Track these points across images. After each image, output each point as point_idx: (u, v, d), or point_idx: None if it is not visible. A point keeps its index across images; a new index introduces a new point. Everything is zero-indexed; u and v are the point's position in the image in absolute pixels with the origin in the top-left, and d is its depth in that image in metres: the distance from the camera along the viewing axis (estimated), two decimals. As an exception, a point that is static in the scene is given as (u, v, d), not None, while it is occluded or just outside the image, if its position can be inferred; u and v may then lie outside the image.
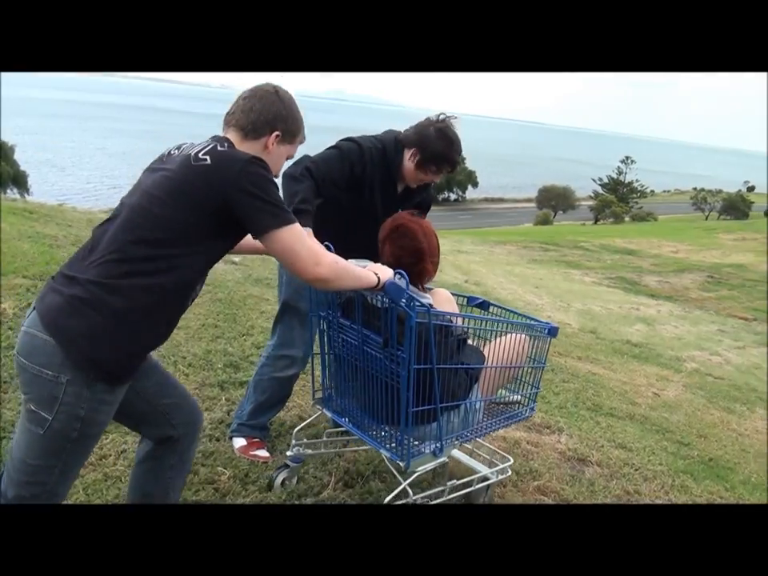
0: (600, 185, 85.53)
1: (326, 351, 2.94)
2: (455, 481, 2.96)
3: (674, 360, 9.56)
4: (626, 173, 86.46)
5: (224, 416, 3.76)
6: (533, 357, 3.12)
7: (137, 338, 1.99)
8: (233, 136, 2.17)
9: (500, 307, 3.17)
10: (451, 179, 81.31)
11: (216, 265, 2.21)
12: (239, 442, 3.40)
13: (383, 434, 2.73)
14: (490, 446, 3.40)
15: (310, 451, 3.27)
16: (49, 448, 1.95)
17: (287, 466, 3.11)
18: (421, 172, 3.18)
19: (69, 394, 1.88)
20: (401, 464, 2.61)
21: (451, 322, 2.72)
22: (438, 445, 2.65)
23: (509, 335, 2.99)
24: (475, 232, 46.74)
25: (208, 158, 2.01)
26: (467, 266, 19.43)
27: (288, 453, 3.14)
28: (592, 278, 23.39)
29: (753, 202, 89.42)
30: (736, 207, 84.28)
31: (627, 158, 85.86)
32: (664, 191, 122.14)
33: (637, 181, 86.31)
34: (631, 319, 13.18)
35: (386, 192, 3.21)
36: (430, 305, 2.53)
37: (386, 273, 2.36)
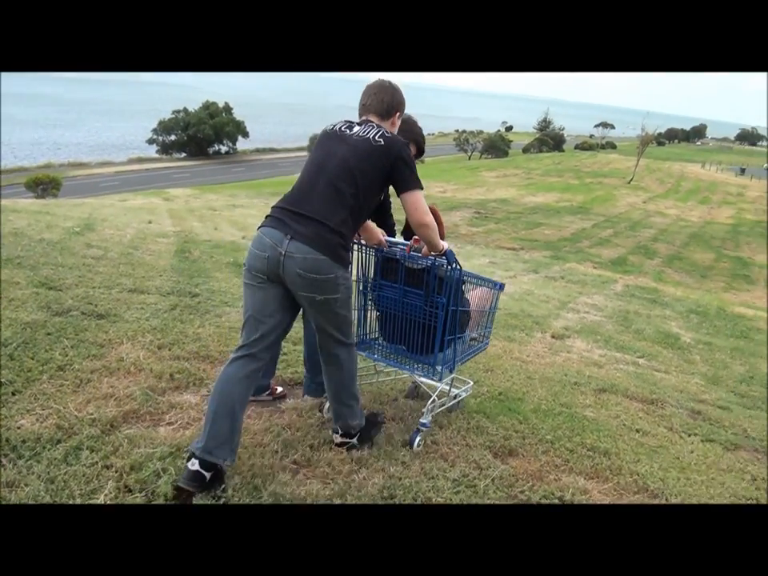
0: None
1: (362, 307, 3.85)
2: (453, 392, 4.14)
3: (453, 297, 9.71)
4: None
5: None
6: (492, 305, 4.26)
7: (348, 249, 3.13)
8: (374, 118, 3.26)
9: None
10: (220, 131, 78.94)
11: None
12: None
13: (416, 365, 3.76)
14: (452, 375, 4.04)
15: None
16: (346, 307, 3.17)
17: None
18: None
19: (342, 279, 3.03)
20: (434, 379, 3.75)
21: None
22: (451, 364, 3.75)
23: (479, 288, 4.16)
24: (249, 185, 45.89)
25: (382, 140, 3.08)
26: (243, 220, 18.78)
27: None
28: (369, 221, 23.62)
29: (511, 141, 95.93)
30: (496, 146, 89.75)
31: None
32: (429, 134, 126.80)
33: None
34: (409, 260, 13.35)
35: None
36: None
37: (444, 243, 3.35)
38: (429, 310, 3.55)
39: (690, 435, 4.85)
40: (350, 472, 3.24)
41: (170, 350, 4.58)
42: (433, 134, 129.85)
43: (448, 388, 4.03)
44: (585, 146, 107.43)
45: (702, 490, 3.81)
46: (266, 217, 3.06)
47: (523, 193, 45.05)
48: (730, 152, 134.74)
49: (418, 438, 3.62)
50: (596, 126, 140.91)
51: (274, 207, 3.06)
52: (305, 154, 75.90)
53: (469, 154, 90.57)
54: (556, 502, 3.29)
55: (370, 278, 3.77)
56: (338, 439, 3.44)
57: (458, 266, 3.46)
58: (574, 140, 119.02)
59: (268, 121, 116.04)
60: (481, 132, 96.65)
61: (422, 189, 3.14)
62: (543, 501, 3.27)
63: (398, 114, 3.32)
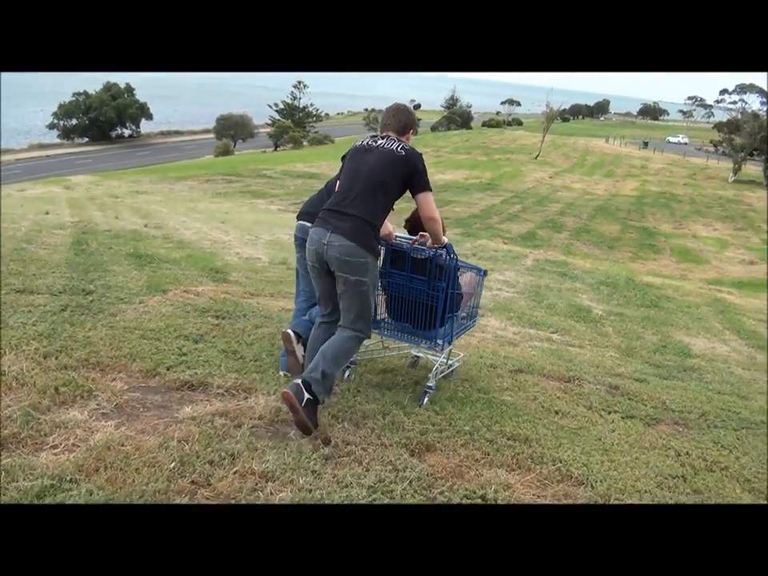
0: (276, 111, 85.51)
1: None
2: (453, 361, 5.01)
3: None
4: (300, 97, 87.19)
5: None
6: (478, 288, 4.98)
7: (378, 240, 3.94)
8: (393, 134, 4.03)
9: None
10: (123, 113, 76.34)
11: None
12: None
13: (420, 339, 4.50)
14: (450, 347, 4.77)
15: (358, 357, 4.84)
16: (369, 294, 3.88)
17: (354, 363, 4.74)
18: None
19: (371, 265, 3.80)
20: (436, 350, 4.55)
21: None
22: (449, 338, 4.52)
23: (467, 273, 4.81)
24: (154, 169, 44.41)
25: (403, 152, 3.86)
26: (147, 207, 18.05)
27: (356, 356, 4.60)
28: (277, 205, 23.20)
29: (420, 119, 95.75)
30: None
31: (299, 82, 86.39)
32: (338, 114, 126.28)
33: (311, 105, 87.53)
34: (319, 242, 13.04)
35: None
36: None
37: (444, 238, 4.12)
38: (431, 292, 4.31)
39: (609, 413, 4.79)
40: (253, 489, 2.96)
41: (56, 358, 4.17)
42: (342, 114, 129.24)
43: (446, 359, 4.82)
44: (492, 123, 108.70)
45: (627, 472, 3.72)
46: (317, 218, 3.91)
47: (432, 171, 44.86)
48: (633, 126, 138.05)
49: (425, 399, 4.35)
50: (502, 103, 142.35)
51: (323, 210, 3.91)
52: (211, 136, 74.24)
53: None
54: (478, 501, 3.11)
55: (380, 266, 4.30)
56: (298, 380, 3.65)
57: (455, 256, 4.23)
58: (482, 117, 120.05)
59: (174, 102, 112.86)
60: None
61: (432, 191, 3.97)
62: (465, 501, 3.09)
63: (411, 130, 4.14)
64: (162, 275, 7.28)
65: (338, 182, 4.03)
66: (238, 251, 10.61)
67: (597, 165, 59.32)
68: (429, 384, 4.42)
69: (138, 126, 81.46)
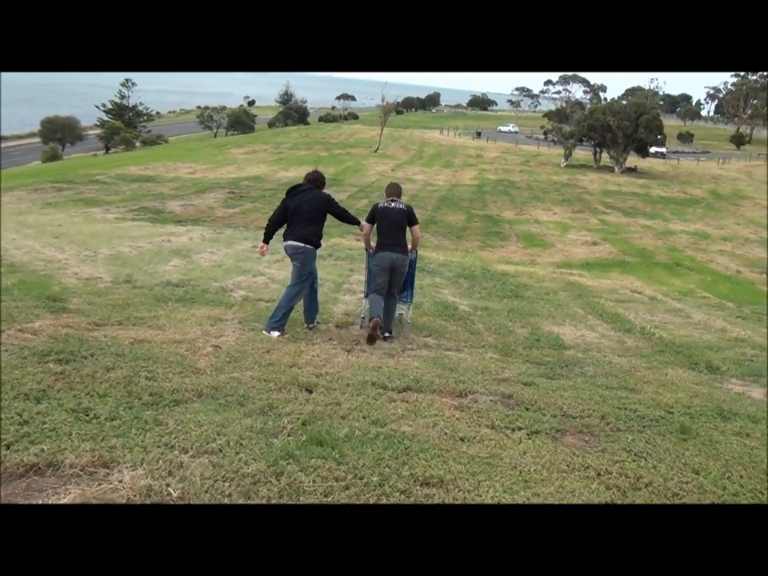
0: (104, 111, 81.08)
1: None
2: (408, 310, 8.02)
3: (222, 292, 8.79)
4: (128, 96, 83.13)
5: None
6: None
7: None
8: (395, 197, 7.53)
9: None
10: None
11: None
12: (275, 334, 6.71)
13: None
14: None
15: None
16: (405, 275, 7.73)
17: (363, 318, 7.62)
18: None
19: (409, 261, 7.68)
20: (407, 302, 7.98)
21: None
22: (411, 294, 8.16)
23: None
24: (-27, 180, 40.80)
25: (405, 207, 7.50)
26: (-35, 227, 16.22)
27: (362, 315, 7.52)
28: (114, 213, 21.64)
29: (256, 116, 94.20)
30: (241, 122, 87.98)
31: (127, 80, 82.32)
32: (170, 112, 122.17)
33: (141, 104, 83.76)
34: (165, 254, 12.01)
35: None
36: None
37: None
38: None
39: (514, 431, 4.43)
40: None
41: None
42: (174, 112, 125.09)
43: (408, 308, 7.95)
44: (329, 118, 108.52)
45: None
46: (379, 245, 7.28)
47: (275, 168, 44.03)
48: (464, 117, 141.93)
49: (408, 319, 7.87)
50: (337, 97, 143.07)
51: (382, 242, 7.25)
52: (37, 140, 69.35)
53: (214, 131, 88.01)
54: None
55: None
56: (386, 335, 7.17)
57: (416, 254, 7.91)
58: (317, 112, 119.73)
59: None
60: (224, 108, 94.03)
61: (419, 223, 7.68)
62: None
63: (401, 195, 7.56)
64: (-9, 311, 6.19)
65: (381, 227, 7.27)
66: (76, 271, 9.54)
67: (435, 156, 60.33)
68: (407, 318, 7.82)
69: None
